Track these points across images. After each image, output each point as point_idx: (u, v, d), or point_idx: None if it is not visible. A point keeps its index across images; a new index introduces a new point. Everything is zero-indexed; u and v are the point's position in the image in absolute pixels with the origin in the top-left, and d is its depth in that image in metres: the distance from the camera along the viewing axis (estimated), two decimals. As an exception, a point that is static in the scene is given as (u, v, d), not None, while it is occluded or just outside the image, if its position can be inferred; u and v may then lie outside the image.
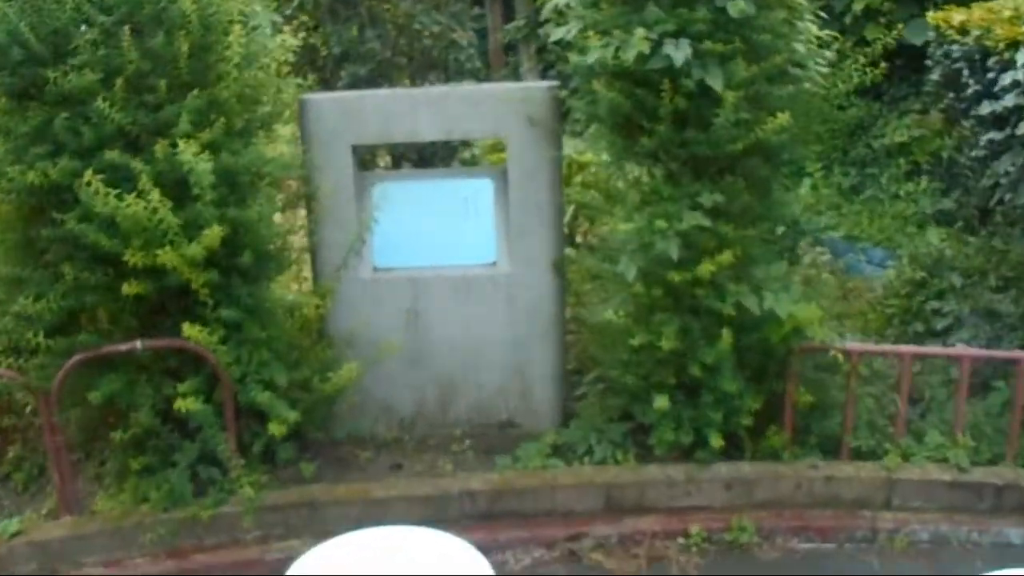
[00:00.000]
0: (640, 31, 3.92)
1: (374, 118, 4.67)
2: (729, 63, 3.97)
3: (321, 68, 6.21)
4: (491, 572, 2.91)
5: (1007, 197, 5.25)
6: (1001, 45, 4.96)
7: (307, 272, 5.05)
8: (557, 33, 4.47)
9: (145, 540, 4.23)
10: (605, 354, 4.58)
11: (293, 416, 4.14)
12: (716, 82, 3.91)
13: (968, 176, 7.09)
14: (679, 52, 3.88)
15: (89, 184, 3.76)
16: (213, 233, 3.79)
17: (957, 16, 5.57)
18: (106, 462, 4.63)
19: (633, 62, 3.94)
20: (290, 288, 5.14)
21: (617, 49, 3.99)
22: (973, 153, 5.55)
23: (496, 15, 11.71)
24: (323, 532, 4.27)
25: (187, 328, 3.90)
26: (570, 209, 5.92)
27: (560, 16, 4.56)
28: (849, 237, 7.53)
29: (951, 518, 4.32)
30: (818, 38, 4.51)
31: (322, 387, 4.32)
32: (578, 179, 6.35)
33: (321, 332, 4.78)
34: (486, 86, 5.39)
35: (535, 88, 4.83)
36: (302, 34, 5.91)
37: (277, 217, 4.60)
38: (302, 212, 4.82)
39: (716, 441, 4.21)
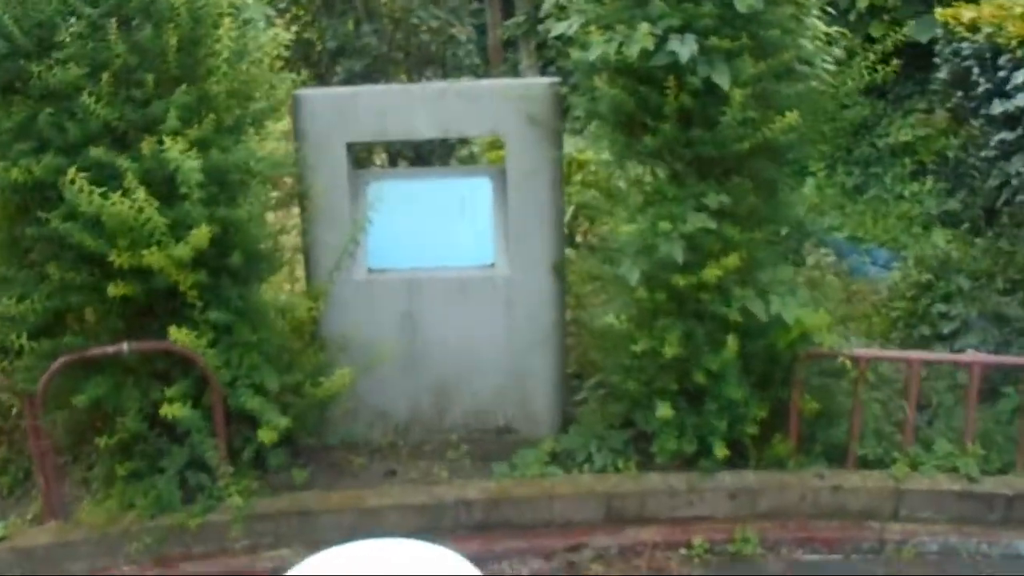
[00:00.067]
0: (644, 26, 3.80)
1: (369, 115, 4.55)
2: (736, 60, 3.85)
3: (316, 63, 6.08)
4: None
5: (1018, 199, 5.14)
6: (1013, 43, 4.85)
7: (300, 273, 4.93)
8: (558, 28, 4.35)
9: (131, 548, 4.12)
10: (606, 359, 4.46)
11: (284, 422, 4.02)
12: (723, 79, 3.79)
13: (974, 176, 6.98)
14: (685, 48, 3.75)
15: (73, 182, 3.63)
16: (201, 233, 3.67)
17: (967, 13, 5.45)
18: (93, 466, 4.53)
19: (637, 58, 3.82)
20: (282, 289, 5.01)
21: (620, 45, 3.87)
22: (983, 153, 5.44)
23: (495, 10, 11.59)
24: (314, 541, 4.18)
25: (174, 332, 3.78)
26: (570, 209, 5.81)
27: (561, 11, 4.44)
28: (853, 238, 7.42)
29: (960, 529, 4.21)
30: (826, 35, 4.39)
31: (314, 392, 4.20)
32: (578, 178, 6.24)
33: (314, 335, 4.66)
34: (485, 82, 5.26)
35: (535, 84, 4.71)
36: (295, 28, 5.76)
37: (269, 216, 4.48)
38: (295, 211, 4.69)
39: (720, 451, 4.09)
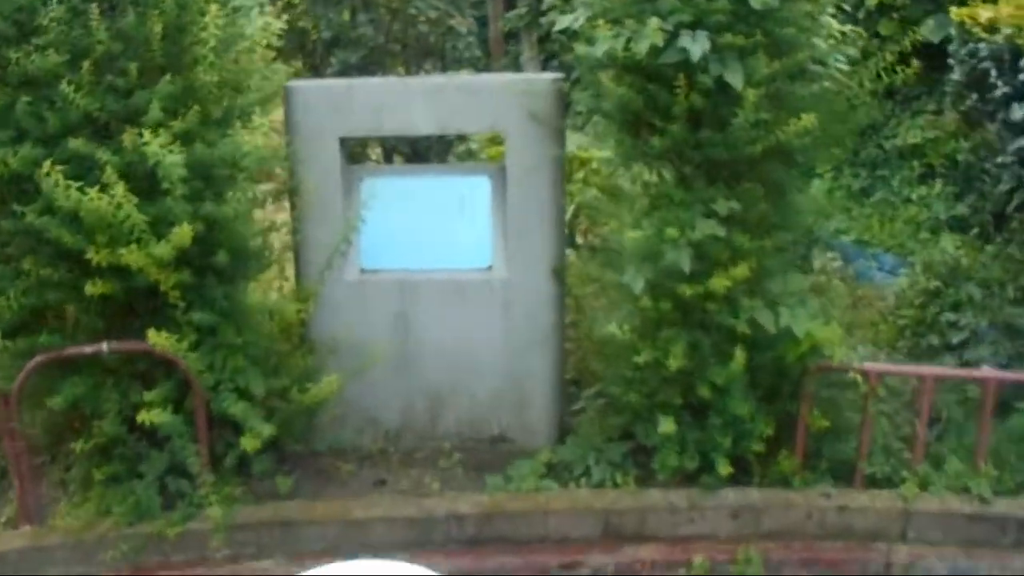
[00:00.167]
0: (654, 21, 3.61)
1: (364, 109, 4.36)
2: (749, 58, 3.66)
3: (310, 54, 5.88)
4: None
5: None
6: (1035, 45, 4.67)
7: (289, 272, 4.74)
8: (563, 21, 4.16)
9: (108, 556, 3.96)
10: (607, 369, 4.28)
11: (268, 430, 3.85)
12: (736, 79, 3.61)
13: (984, 181, 6.83)
14: (696, 45, 3.57)
15: (48, 175, 3.44)
16: (183, 232, 3.48)
17: (984, 12, 5.26)
18: (72, 467, 4.36)
19: (645, 55, 3.64)
20: (271, 289, 4.83)
21: (628, 40, 3.69)
22: (999, 159, 5.26)
23: (497, 1, 11.37)
24: (298, 553, 4.05)
25: (152, 335, 3.60)
26: (570, 207, 5.63)
27: (566, 3, 4.25)
28: (859, 242, 7.25)
29: (971, 552, 4.06)
30: (842, 34, 4.21)
31: (301, 398, 4.02)
32: (579, 176, 6.06)
33: (303, 337, 4.48)
34: (485, 77, 5.08)
35: (538, 80, 4.52)
36: (288, 16, 5.56)
37: (258, 213, 4.30)
38: (287, 207, 4.50)
39: (724, 468, 3.92)
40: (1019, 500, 4.13)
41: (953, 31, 5.69)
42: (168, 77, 3.69)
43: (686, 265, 3.67)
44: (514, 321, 4.53)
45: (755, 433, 3.97)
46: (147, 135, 3.45)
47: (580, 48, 3.97)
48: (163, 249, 3.52)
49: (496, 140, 5.78)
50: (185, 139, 3.62)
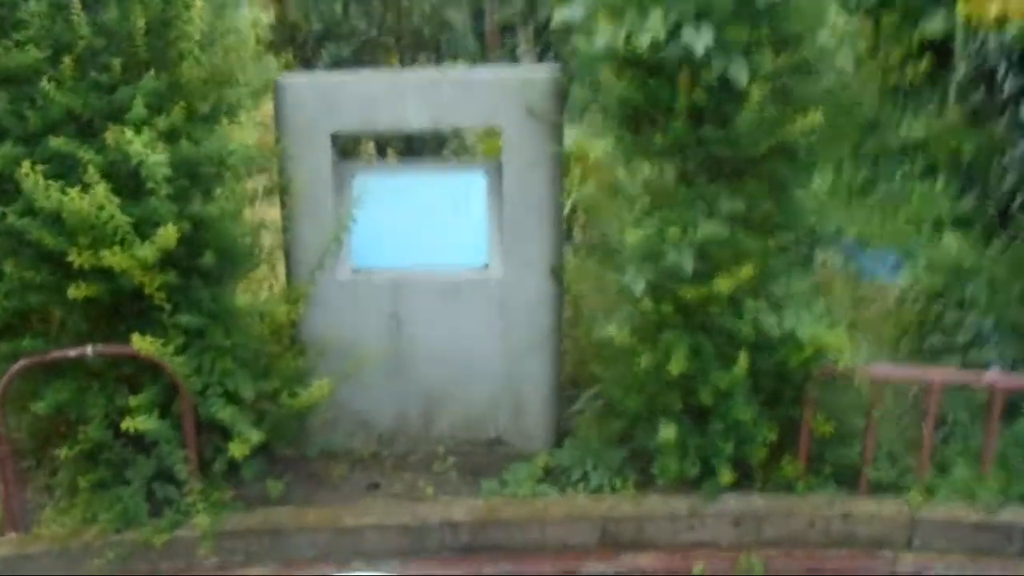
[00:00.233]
0: (656, 14, 3.49)
1: (356, 104, 4.24)
2: (754, 53, 3.54)
3: (301, 47, 5.74)
4: None
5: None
6: (1047, 41, 4.56)
7: (280, 272, 4.62)
8: (561, 14, 4.03)
9: (94, 564, 3.86)
10: (606, 372, 4.17)
11: (257, 436, 3.74)
12: (740, 74, 3.49)
13: (989, 178, 6.72)
14: (700, 39, 3.45)
15: (28, 175, 3.32)
16: (168, 233, 3.36)
17: (993, 7, 5.14)
18: (58, 471, 4.25)
19: (647, 49, 3.52)
20: (261, 289, 4.72)
21: (629, 34, 3.56)
22: (1008, 157, 5.15)
23: (493, -7, 11.20)
24: (289, 560, 3.96)
25: (136, 340, 3.48)
26: (568, 202, 5.50)
27: (564, -5, 4.11)
28: (860, 239, 7.13)
29: (977, 561, 3.95)
30: (848, 28, 4.09)
31: (291, 402, 3.91)
32: (577, 170, 5.95)
33: (293, 338, 4.36)
34: (480, 70, 4.95)
35: (535, 74, 4.39)
36: (278, 9, 5.43)
37: (249, 211, 4.18)
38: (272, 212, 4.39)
39: (726, 476, 3.82)
40: (1026, 508, 4.04)
41: (958, 25, 5.57)
42: (152, 73, 3.56)
43: (688, 266, 3.56)
44: (511, 322, 4.42)
45: (758, 439, 3.87)
46: (128, 134, 3.31)
47: (579, 42, 3.85)
48: (147, 251, 3.39)
49: (492, 132, 5.66)
50: (170, 136, 3.50)
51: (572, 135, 5.62)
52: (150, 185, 3.41)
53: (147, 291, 3.56)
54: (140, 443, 3.92)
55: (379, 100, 4.25)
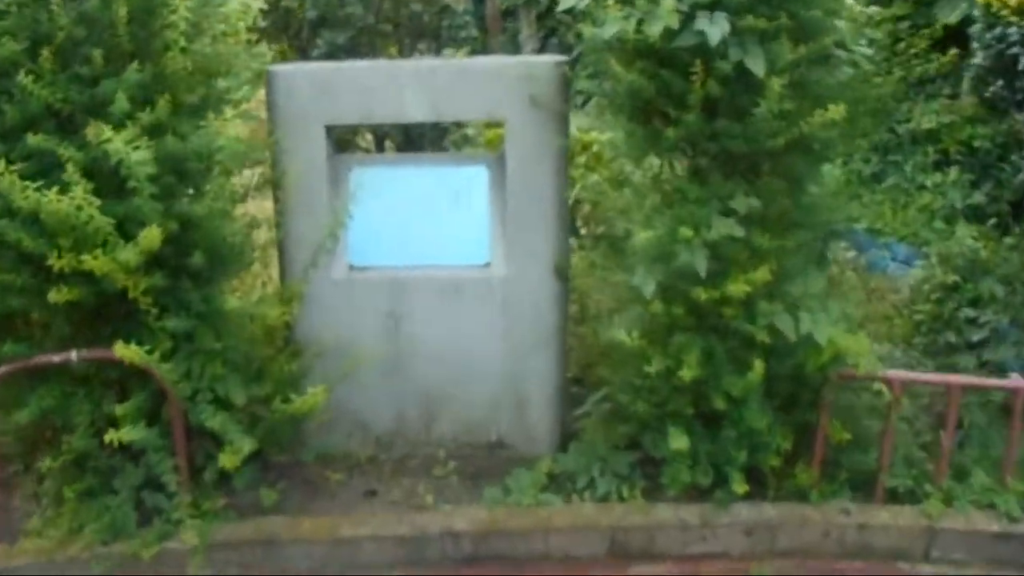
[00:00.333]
0: (668, 1, 3.30)
1: (352, 94, 4.06)
2: (772, 43, 3.35)
3: (296, 34, 5.53)
4: None
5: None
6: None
7: (273, 270, 4.44)
8: (568, 0, 3.84)
9: (81, 576, 3.70)
10: (613, 375, 3.99)
11: (249, 445, 3.58)
12: (757, 65, 3.30)
13: (1003, 169, 6.55)
14: (715, 28, 3.26)
15: (3, 175, 3.14)
16: (151, 234, 3.18)
17: (1015, -6, 4.96)
18: (45, 478, 4.08)
19: (659, 38, 3.33)
20: (253, 289, 4.54)
21: (640, 22, 3.37)
22: (1025, 149, 4.98)
23: (494, -23, 10.98)
24: (283, 571, 3.79)
25: (119, 348, 3.30)
26: (572, 193, 5.32)
27: (570, -21, 3.92)
28: (871, 230, 6.96)
29: (998, 572, 3.81)
30: (867, 16, 3.91)
31: (285, 408, 3.74)
32: (581, 159, 5.77)
33: (287, 340, 4.20)
34: (482, 60, 4.74)
35: (539, 63, 4.20)
36: (269, -6, 5.22)
37: (243, 205, 4.00)
38: (268, 204, 4.21)
39: (739, 485, 3.65)
40: (1050, 517, 3.88)
41: (977, 12, 5.37)
42: (136, 64, 3.36)
43: (702, 268, 3.38)
44: (513, 321, 4.25)
45: (772, 447, 3.70)
46: (107, 131, 3.12)
47: (587, 30, 3.65)
48: (129, 254, 3.21)
49: (494, 124, 5.47)
50: (155, 131, 3.31)
51: (576, 122, 5.44)
52: (132, 184, 3.22)
53: (132, 295, 3.39)
54: (128, 450, 3.75)
55: (376, 90, 4.06)
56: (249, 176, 4.29)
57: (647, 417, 3.80)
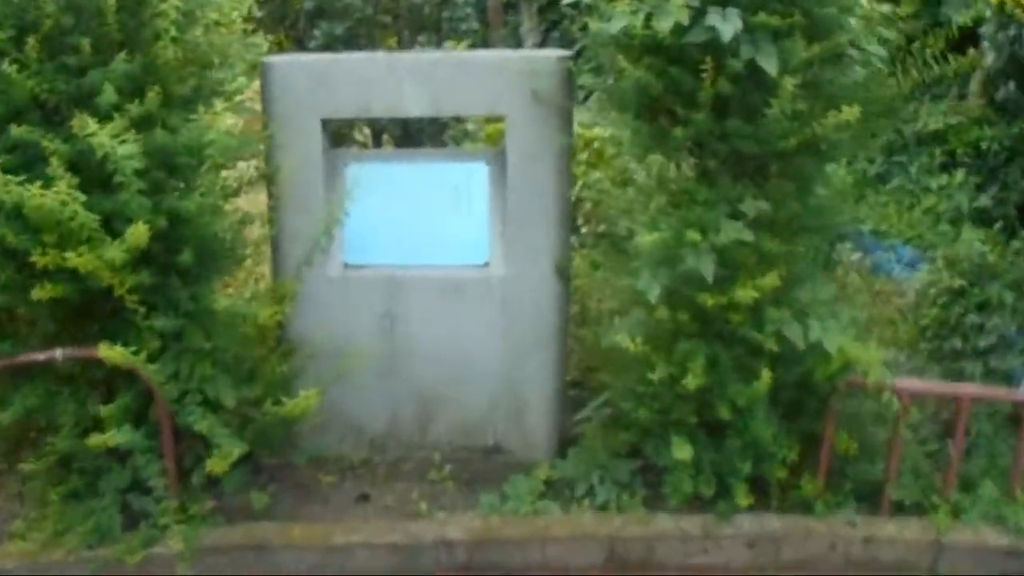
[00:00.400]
0: (679, -4, 3.19)
1: (349, 87, 3.94)
2: (785, 40, 3.24)
3: (292, 25, 5.40)
4: None
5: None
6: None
7: (266, 268, 4.33)
8: (573, -7, 3.73)
9: (66, 582, 3.59)
10: (615, 380, 3.89)
11: (238, 449, 3.47)
12: (770, 63, 3.18)
13: (1011, 172, 6.44)
14: (727, 24, 3.14)
15: (-14, 167, 3.03)
16: (138, 231, 3.06)
17: (1030, -7, 4.85)
18: (30, 478, 3.97)
19: (668, 34, 3.22)
20: (245, 286, 4.42)
21: (649, 17, 3.26)
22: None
23: (495, -31, 10.83)
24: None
25: (104, 349, 3.19)
26: (574, 190, 5.21)
27: (576, -27, 3.80)
28: (876, 232, 6.85)
29: (1007, 587, 3.72)
30: (881, 15, 3.78)
31: (276, 410, 3.63)
32: (583, 156, 5.66)
33: (279, 339, 4.09)
34: (483, 53, 4.64)
35: (542, 58, 4.08)
36: (266, -17, 5.10)
37: (231, 204, 3.88)
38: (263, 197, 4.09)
39: (743, 497, 3.55)
40: (1059, 531, 3.79)
41: (989, 13, 5.25)
42: (125, 54, 3.24)
43: (709, 273, 3.27)
44: (512, 322, 4.14)
45: (777, 458, 3.60)
46: (92, 124, 3.00)
47: (593, 24, 3.53)
48: (115, 251, 3.09)
49: (494, 119, 5.36)
50: (144, 124, 3.19)
51: (577, 117, 5.33)
52: (119, 179, 3.10)
53: (118, 293, 3.27)
54: (115, 451, 3.64)
55: (374, 83, 3.95)
56: (243, 170, 4.17)
57: (649, 424, 3.70)
